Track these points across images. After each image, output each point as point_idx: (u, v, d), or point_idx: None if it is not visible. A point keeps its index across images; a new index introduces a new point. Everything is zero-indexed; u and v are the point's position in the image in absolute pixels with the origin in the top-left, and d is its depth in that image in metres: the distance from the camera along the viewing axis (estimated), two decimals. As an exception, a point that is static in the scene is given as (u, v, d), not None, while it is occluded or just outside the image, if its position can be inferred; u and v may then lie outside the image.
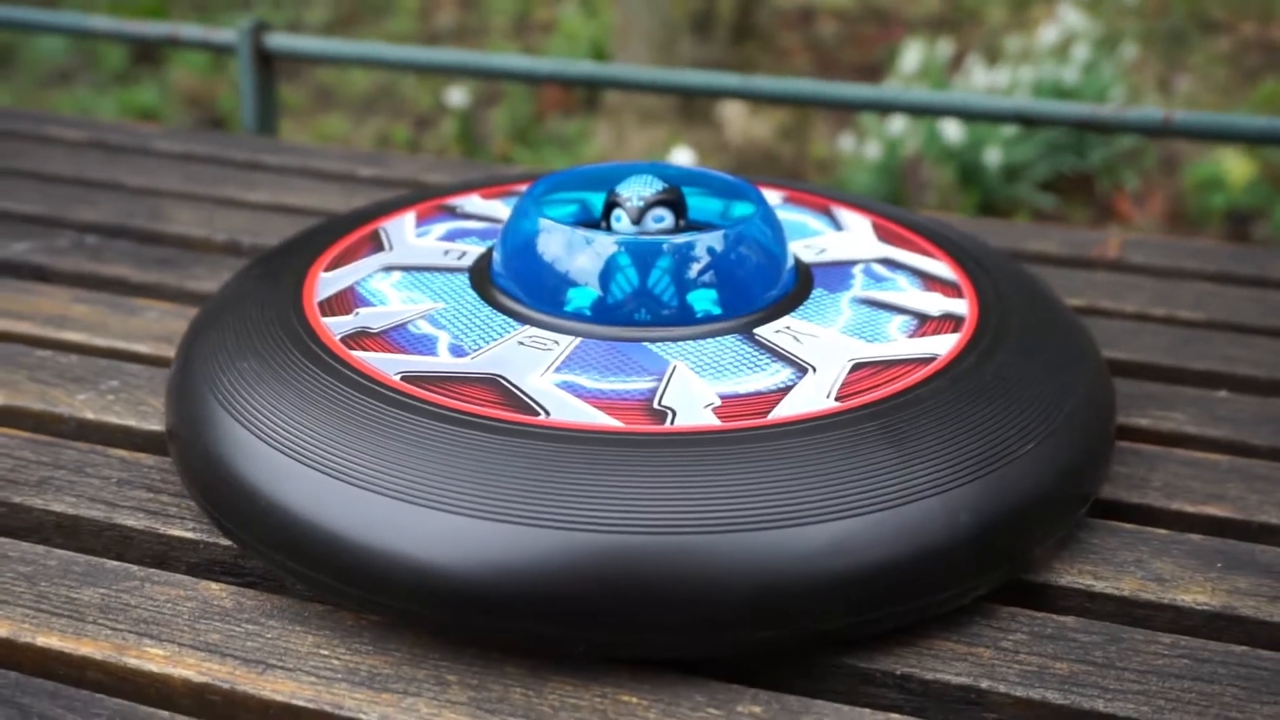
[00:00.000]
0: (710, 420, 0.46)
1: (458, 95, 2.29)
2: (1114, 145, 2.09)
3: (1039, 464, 0.48)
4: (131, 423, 0.58)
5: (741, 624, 0.42)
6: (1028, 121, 0.83)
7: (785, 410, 0.47)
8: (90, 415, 0.59)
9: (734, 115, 2.21)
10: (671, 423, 0.46)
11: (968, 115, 0.83)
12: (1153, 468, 0.56)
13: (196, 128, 2.33)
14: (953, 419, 0.47)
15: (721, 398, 0.48)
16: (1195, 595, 0.48)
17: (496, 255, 0.57)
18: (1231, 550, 0.50)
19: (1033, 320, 0.56)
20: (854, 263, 0.60)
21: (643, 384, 0.49)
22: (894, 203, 1.94)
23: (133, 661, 0.44)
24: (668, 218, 0.58)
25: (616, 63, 2.31)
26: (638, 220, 0.58)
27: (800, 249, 0.61)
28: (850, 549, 0.43)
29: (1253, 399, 0.61)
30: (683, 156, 1.87)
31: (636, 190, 0.58)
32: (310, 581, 0.45)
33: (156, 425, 0.58)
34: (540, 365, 0.50)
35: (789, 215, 0.65)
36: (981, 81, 2.10)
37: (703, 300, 0.53)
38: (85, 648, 0.45)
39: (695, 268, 0.53)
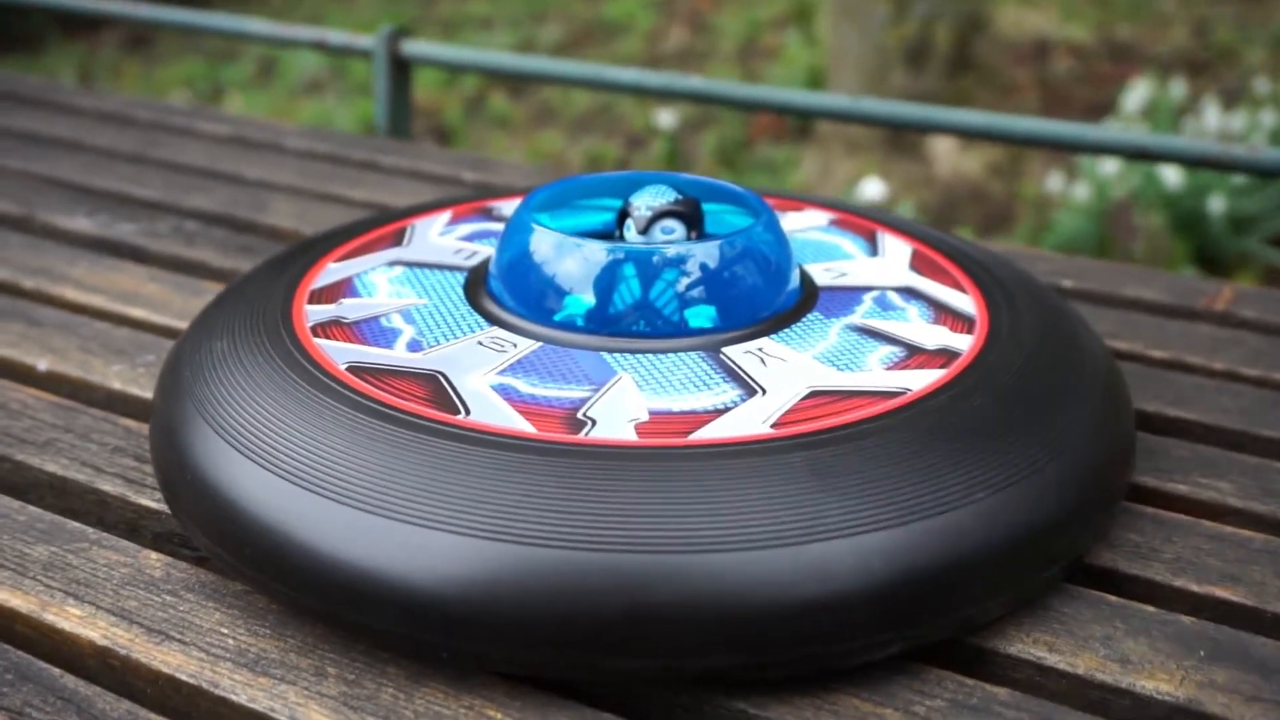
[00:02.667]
0: (627, 435, 0.44)
1: (667, 117, 2.31)
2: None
3: (986, 519, 0.43)
4: (149, 394, 0.60)
5: (609, 650, 0.40)
6: (1150, 158, 0.76)
7: (711, 432, 0.44)
8: (118, 386, 0.62)
9: (944, 150, 2.13)
10: (587, 433, 0.44)
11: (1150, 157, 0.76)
12: (1170, 538, 0.50)
13: (422, 138, 2.43)
14: (894, 459, 0.44)
15: (651, 414, 0.46)
16: (1160, 683, 0.42)
17: (493, 263, 0.56)
18: (1225, 639, 0.44)
19: (1040, 365, 0.51)
20: (869, 289, 0.56)
21: (578, 392, 0.47)
22: (1100, 251, 1.83)
23: (51, 618, 0.46)
24: (678, 230, 0.56)
25: (828, 91, 2.27)
26: (645, 230, 0.56)
27: (820, 271, 0.58)
28: (735, 583, 0.40)
29: (1322, 474, 0.54)
30: (872, 188, 1.82)
31: (646, 200, 0.56)
32: (221, 560, 0.46)
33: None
34: (486, 366, 0.49)
35: (827, 237, 0.62)
36: (1214, 125, 1.96)
37: (675, 315, 0.51)
38: (15, 600, 0.47)
39: (670, 280, 0.51)
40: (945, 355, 0.50)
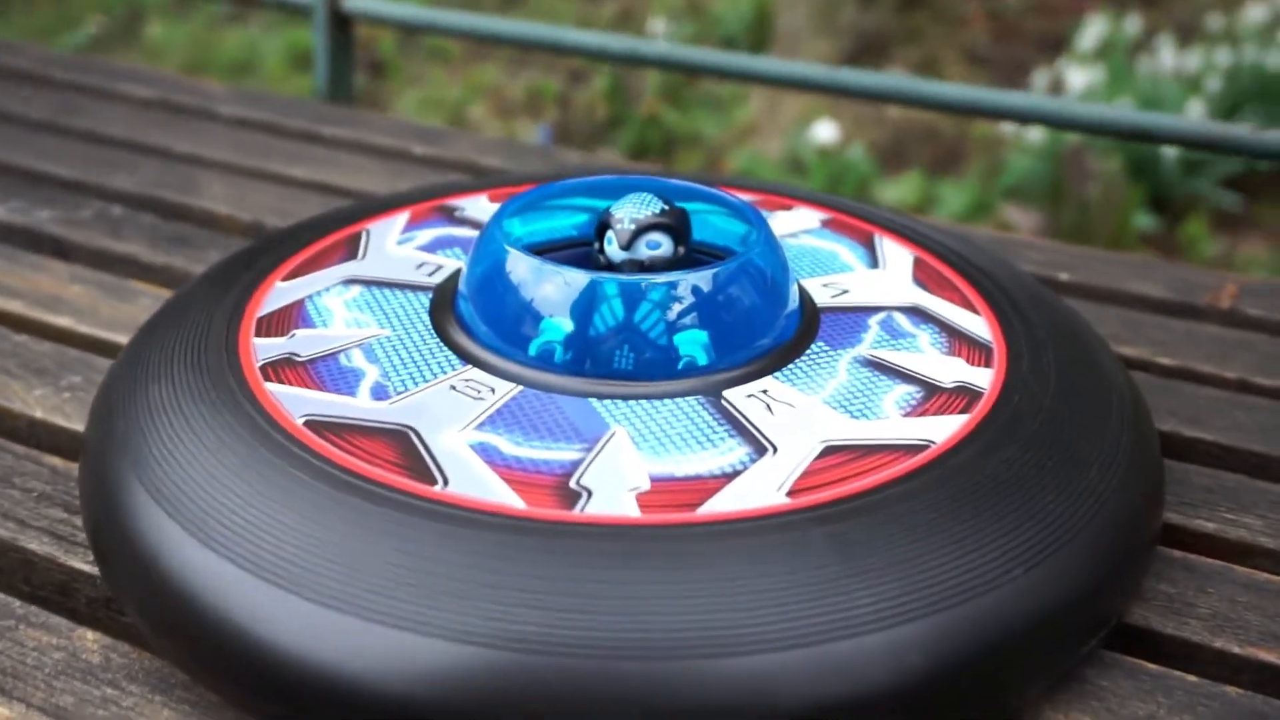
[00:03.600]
0: (629, 509, 0.40)
1: (610, 51, 2.23)
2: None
3: (1030, 596, 0.39)
4: (78, 426, 0.54)
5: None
6: (1150, 139, 0.72)
7: (722, 504, 0.40)
8: (40, 414, 0.55)
9: (895, 86, 2.08)
10: (583, 508, 0.40)
11: (1119, 133, 0.72)
12: (1204, 588, 0.46)
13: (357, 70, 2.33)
14: (925, 531, 0.39)
15: (652, 480, 0.41)
16: (1213, 773, 0.39)
17: (462, 276, 0.51)
18: (1274, 715, 0.41)
19: (1066, 403, 0.46)
20: (874, 310, 0.51)
21: (568, 453, 0.42)
22: (1053, 194, 1.80)
23: (-25, 719, 0.40)
24: (664, 244, 0.51)
25: (776, 23, 2.21)
26: (628, 245, 0.51)
27: (817, 288, 0.53)
28: (758, 691, 0.36)
29: (1354, 507, 0.50)
30: (825, 131, 1.77)
31: (629, 211, 0.51)
32: (165, 653, 0.41)
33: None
34: (463, 419, 0.44)
35: (821, 243, 0.57)
36: (1170, 64, 1.93)
37: (670, 351, 0.46)
38: (-67, 696, 0.41)
39: (667, 313, 0.46)
40: (966, 395, 0.46)
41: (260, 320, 0.50)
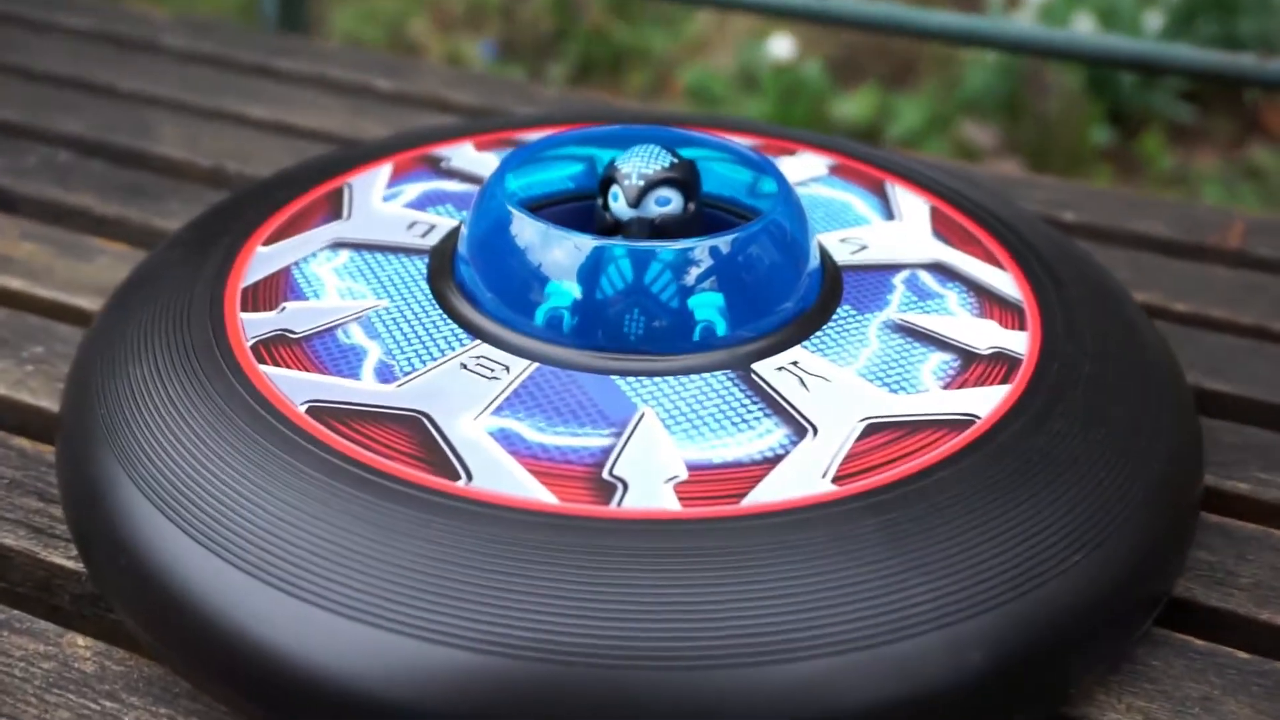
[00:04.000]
0: (669, 502, 0.37)
1: (554, -39, 2.15)
2: (1274, 50, 1.88)
3: (1091, 581, 0.37)
4: (45, 403, 0.51)
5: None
6: (1151, 69, 0.70)
7: (767, 493, 0.37)
8: (3, 391, 0.51)
9: (848, -2, 2.04)
10: (620, 502, 0.37)
11: (1079, 57, 0.70)
12: (1243, 555, 0.45)
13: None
14: (980, 517, 0.37)
15: (690, 468, 0.38)
16: (1275, 758, 0.38)
17: (461, 239, 0.47)
18: (1330, 691, 0.40)
19: (1109, 366, 0.44)
20: (898, 268, 0.49)
21: (598, 439, 0.39)
22: (1011, 110, 1.78)
23: (-37, 742, 0.37)
24: (674, 200, 0.48)
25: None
26: (636, 202, 0.47)
27: (835, 244, 0.50)
28: (819, 696, 0.34)
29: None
30: (782, 45, 1.73)
31: (637, 166, 0.48)
32: (166, 661, 0.38)
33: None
34: (479, 403, 0.40)
35: (832, 192, 0.54)
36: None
37: (694, 321, 0.43)
38: (-87, 717, 0.38)
39: (686, 280, 0.43)
40: (1004, 363, 0.44)
41: (245, 291, 0.46)
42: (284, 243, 0.49)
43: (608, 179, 0.48)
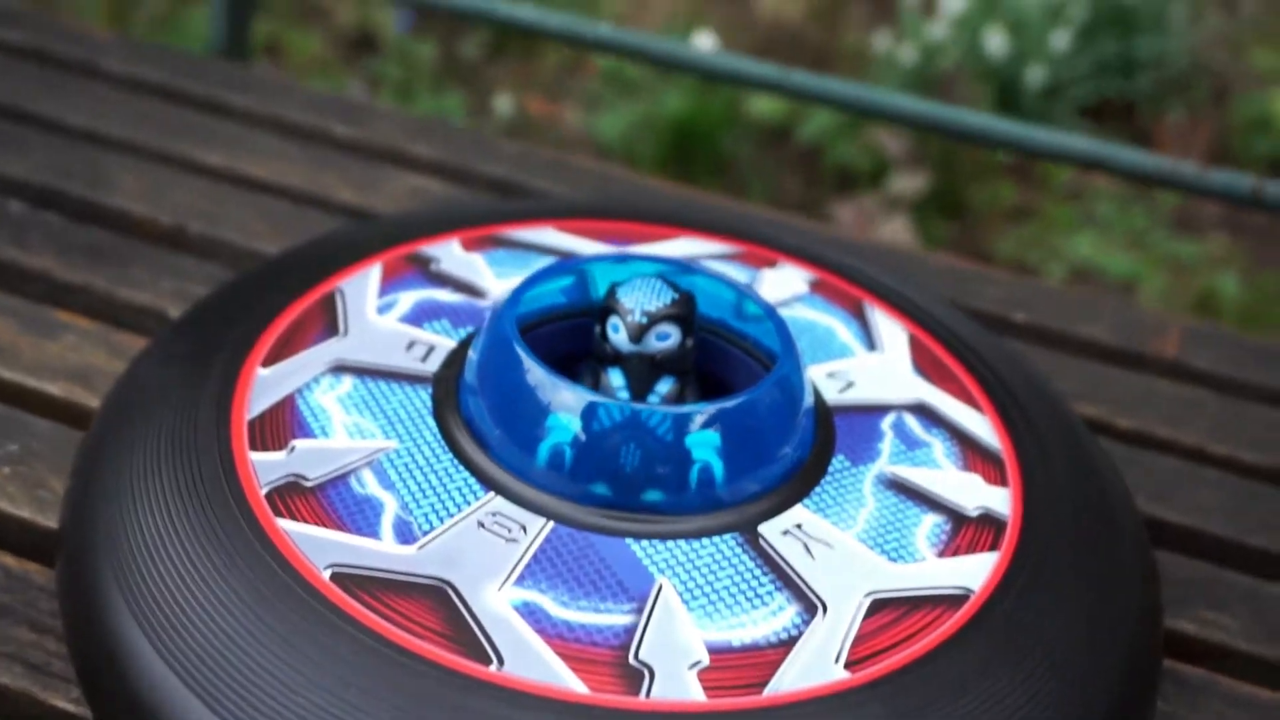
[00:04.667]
0: (695, 692, 0.39)
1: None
2: (1164, 69, 1.95)
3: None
4: (26, 513, 0.50)
5: None
6: (1097, 167, 0.73)
7: (786, 680, 0.39)
8: (-21, 495, 0.50)
9: (765, -10, 2.05)
10: (648, 691, 0.38)
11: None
12: (1195, 704, 0.48)
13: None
14: (978, 700, 0.40)
15: (711, 652, 0.40)
16: None
17: (467, 370, 0.48)
18: None
19: (1083, 528, 0.47)
20: (884, 410, 0.51)
21: (619, 617, 0.40)
22: (924, 117, 1.82)
23: None
24: (673, 335, 0.49)
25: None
26: (639, 338, 0.49)
27: (823, 377, 0.52)
28: None
29: (1314, 603, 0.54)
30: (706, 41, 1.74)
31: (640, 301, 0.49)
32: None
33: (57, 520, 0.49)
34: (500, 571, 0.41)
35: (816, 315, 0.56)
36: (1036, -12, 1.94)
37: (699, 479, 0.44)
38: None
39: (699, 442, 0.44)
40: (991, 527, 0.46)
41: (252, 425, 0.46)
42: (284, 364, 0.49)
43: (607, 308, 0.49)
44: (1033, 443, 0.51)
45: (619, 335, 0.49)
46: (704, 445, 0.44)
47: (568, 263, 0.51)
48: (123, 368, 0.55)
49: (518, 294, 0.49)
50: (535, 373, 0.45)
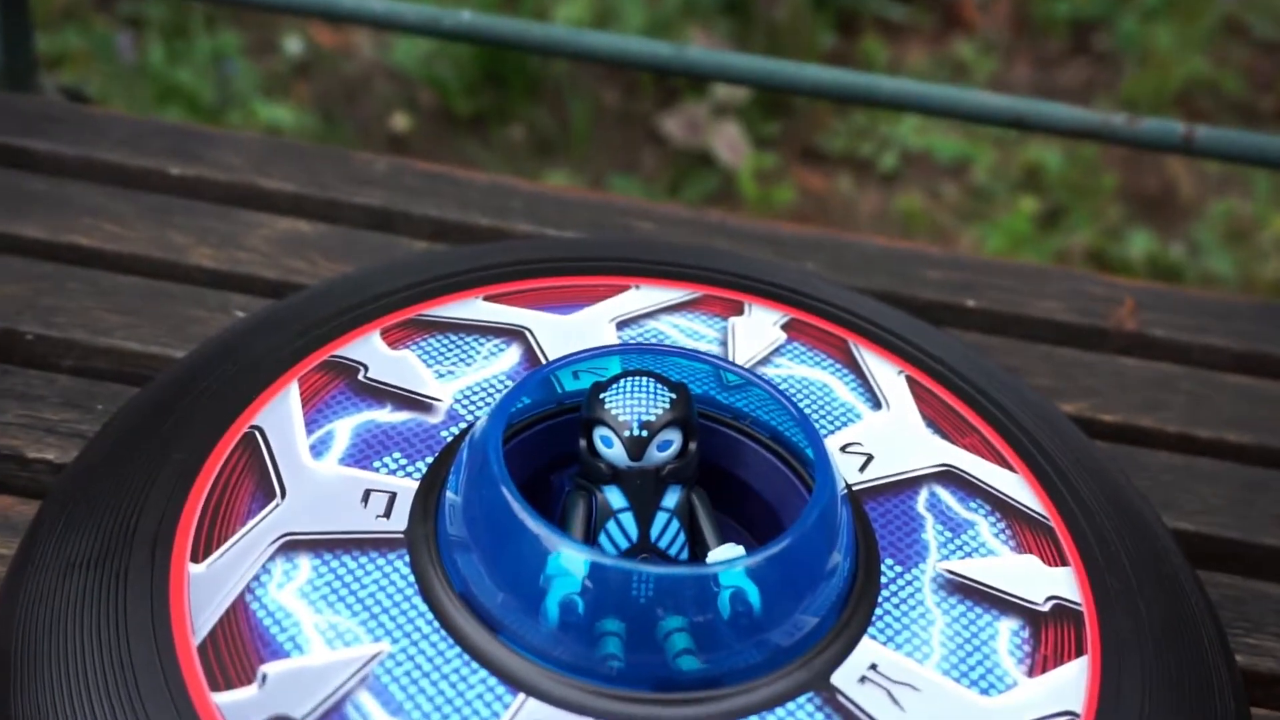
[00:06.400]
0: None
1: None
2: None
3: None
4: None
5: None
6: (1025, 126, 0.68)
7: None
8: None
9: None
10: None
11: (961, 115, 0.67)
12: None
13: None
14: None
15: None
16: None
17: (450, 523, 0.40)
18: None
19: (1151, 597, 0.43)
20: (914, 486, 0.45)
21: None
22: (740, 14, 1.75)
23: None
24: (675, 441, 0.42)
25: None
26: (640, 455, 0.41)
27: (838, 453, 0.46)
28: None
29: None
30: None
31: (634, 409, 0.41)
32: None
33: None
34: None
35: (806, 371, 0.50)
36: None
37: (759, 643, 0.38)
38: None
39: (750, 600, 0.38)
40: (1069, 621, 0.41)
41: (204, 653, 0.37)
42: (220, 556, 0.40)
43: (592, 419, 0.42)
44: (1070, 496, 0.46)
45: (614, 450, 0.42)
46: (752, 595, 0.38)
47: (537, 373, 0.43)
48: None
49: (495, 440, 0.40)
50: (568, 553, 0.37)
